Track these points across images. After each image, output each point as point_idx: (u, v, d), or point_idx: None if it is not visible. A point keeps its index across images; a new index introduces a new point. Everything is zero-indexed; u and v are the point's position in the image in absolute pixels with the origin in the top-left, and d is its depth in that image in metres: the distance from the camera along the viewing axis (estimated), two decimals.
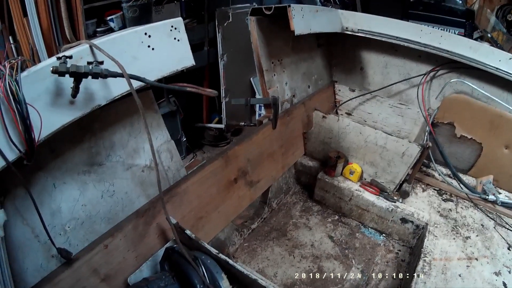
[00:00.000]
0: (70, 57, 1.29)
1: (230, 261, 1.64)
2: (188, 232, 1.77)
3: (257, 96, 3.87)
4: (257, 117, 3.24)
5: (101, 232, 1.67)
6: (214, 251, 1.68)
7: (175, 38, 1.71)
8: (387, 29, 2.85)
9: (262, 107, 3.14)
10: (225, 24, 3.71)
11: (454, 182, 2.84)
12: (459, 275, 2.10)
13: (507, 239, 2.39)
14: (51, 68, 1.20)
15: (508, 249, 2.32)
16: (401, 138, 2.65)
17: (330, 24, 2.83)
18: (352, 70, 3.34)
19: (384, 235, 2.71)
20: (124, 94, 1.50)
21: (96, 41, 1.41)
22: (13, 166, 1.19)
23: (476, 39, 4.99)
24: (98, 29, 3.23)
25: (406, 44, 2.81)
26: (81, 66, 1.25)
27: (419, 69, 2.98)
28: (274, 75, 2.74)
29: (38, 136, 1.22)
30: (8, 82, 1.12)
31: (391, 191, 2.71)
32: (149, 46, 1.59)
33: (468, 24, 5.02)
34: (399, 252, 2.59)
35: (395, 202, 2.62)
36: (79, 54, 1.35)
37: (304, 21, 2.41)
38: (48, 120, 1.26)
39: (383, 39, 2.88)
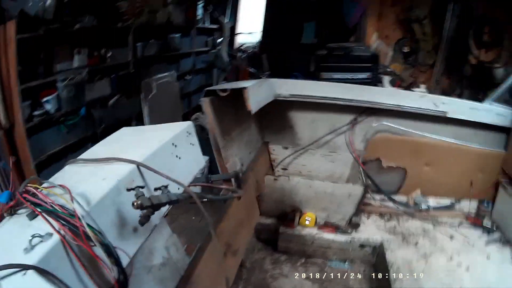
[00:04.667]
0: (143, 187, 1.21)
1: None
2: None
3: None
4: None
5: None
6: None
7: (190, 143, 1.73)
8: (316, 91, 3.15)
9: None
10: (149, 97, 3.61)
11: (391, 204, 3.35)
12: (423, 271, 2.58)
13: (446, 233, 3.02)
14: (134, 204, 1.11)
15: (450, 239, 2.95)
16: (335, 181, 3.12)
17: (269, 94, 3.02)
18: (282, 130, 3.55)
19: (348, 262, 3.13)
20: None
21: (141, 159, 1.34)
22: None
23: (380, 74, 5.78)
24: (34, 113, 2.91)
25: (333, 102, 3.14)
26: (161, 196, 1.18)
27: (343, 119, 3.34)
28: (227, 150, 2.87)
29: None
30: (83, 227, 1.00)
31: (344, 226, 3.15)
32: (177, 156, 1.57)
33: (374, 67, 5.65)
34: (365, 270, 3.05)
35: (350, 234, 3.08)
36: (130, 176, 1.27)
37: (256, 98, 2.53)
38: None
39: (313, 101, 3.17)
